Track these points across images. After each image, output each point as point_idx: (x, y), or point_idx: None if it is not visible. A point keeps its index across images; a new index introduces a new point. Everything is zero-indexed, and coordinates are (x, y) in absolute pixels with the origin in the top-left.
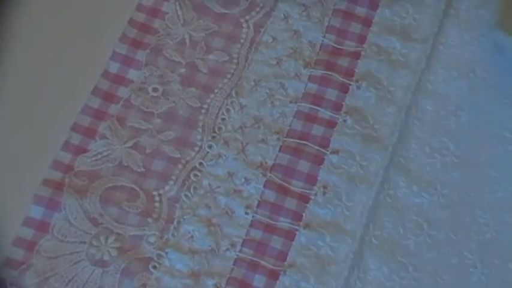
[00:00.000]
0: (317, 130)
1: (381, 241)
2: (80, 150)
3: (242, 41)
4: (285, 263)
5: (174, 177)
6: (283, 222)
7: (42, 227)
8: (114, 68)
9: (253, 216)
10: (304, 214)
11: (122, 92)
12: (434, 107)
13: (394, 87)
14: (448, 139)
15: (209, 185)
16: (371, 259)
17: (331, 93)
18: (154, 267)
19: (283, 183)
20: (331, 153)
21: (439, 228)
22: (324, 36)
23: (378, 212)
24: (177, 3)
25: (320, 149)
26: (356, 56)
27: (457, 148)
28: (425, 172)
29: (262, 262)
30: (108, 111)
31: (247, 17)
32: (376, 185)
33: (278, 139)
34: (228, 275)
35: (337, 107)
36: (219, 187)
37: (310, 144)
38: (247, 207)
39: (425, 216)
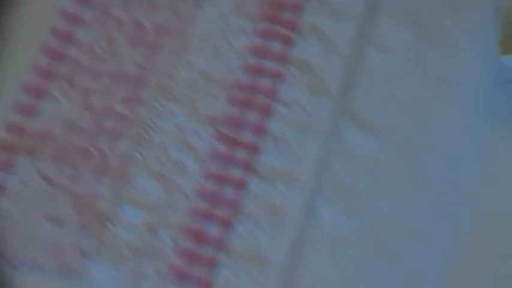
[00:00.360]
0: (264, 82)
1: (332, 187)
2: (31, 111)
3: None
4: (238, 211)
5: (126, 135)
6: (234, 173)
7: None
8: (62, 26)
9: (204, 168)
10: (254, 164)
11: (71, 52)
12: (379, 55)
13: (338, 38)
14: (394, 86)
15: (160, 140)
16: (323, 205)
17: (277, 46)
18: (111, 222)
19: (233, 134)
20: (278, 103)
21: (389, 173)
22: None
23: (328, 159)
24: None
25: (268, 100)
26: (299, 8)
27: (403, 94)
28: (373, 118)
29: (216, 212)
30: (58, 71)
31: None
32: (325, 133)
33: (226, 92)
34: (183, 226)
35: (283, 59)
36: (170, 142)
37: (258, 96)
38: (198, 159)
39: (375, 161)
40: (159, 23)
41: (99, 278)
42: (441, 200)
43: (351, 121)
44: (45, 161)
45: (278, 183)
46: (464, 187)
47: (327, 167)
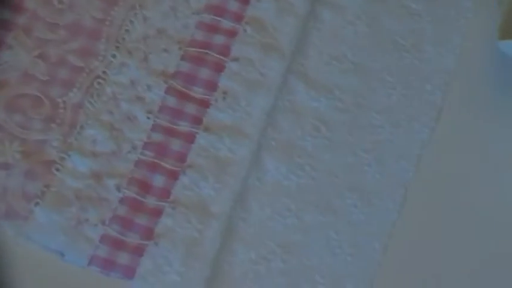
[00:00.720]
0: (218, 39)
1: (279, 143)
2: None
3: None
4: (185, 164)
5: (78, 85)
6: (183, 126)
7: None
8: None
9: (154, 121)
10: (204, 118)
11: (29, 3)
12: (333, 16)
13: None
14: (345, 47)
15: (112, 92)
16: (269, 160)
17: (233, 4)
18: (57, 169)
19: (184, 89)
20: (231, 60)
21: (336, 130)
22: None
23: (276, 115)
24: None
25: (221, 57)
26: None
27: (354, 55)
28: (323, 78)
29: (162, 163)
30: (15, 22)
31: None
32: (274, 90)
33: (180, 48)
34: (129, 176)
35: (238, 18)
36: (121, 94)
37: (211, 52)
38: (148, 112)
39: (322, 119)
40: None
41: (43, 222)
42: (386, 159)
43: (301, 80)
44: None
45: (226, 138)
46: (411, 148)
47: (275, 122)
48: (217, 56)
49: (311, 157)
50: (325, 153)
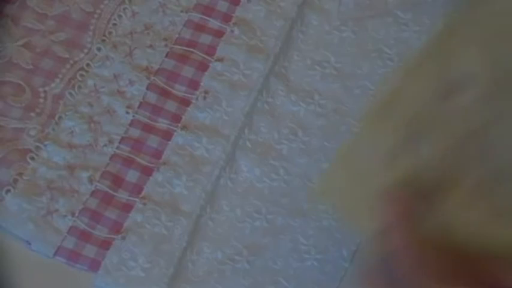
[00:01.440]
0: (205, 39)
1: (254, 145)
2: None
3: None
4: (160, 160)
5: (60, 76)
6: (162, 123)
7: None
8: None
9: (133, 116)
10: (183, 116)
11: None
12: (319, 21)
13: (283, 1)
14: (329, 52)
15: (94, 85)
16: (244, 161)
17: (222, 5)
18: (32, 158)
19: (166, 86)
20: (216, 60)
21: (313, 135)
22: None
23: (254, 117)
24: None
25: (206, 56)
26: None
27: (337, 61)
28: (305, 82)
29: (138, 159)
30: (4, 11)
31: None
32: (255, 92)
33: (166, 45)
34: (103, 169)
35: (226, 18)
36: (103, 87)
37: (196, 51)
38: (128, 107)
39: (300, 123)
40: None
41: (13, 210)
42: None
43: (282, 82)
44: None
45: (203, 137)
46: None
47: (252, 123)
48: (202, 55)
49: (286, 160)
50: (300, 158)
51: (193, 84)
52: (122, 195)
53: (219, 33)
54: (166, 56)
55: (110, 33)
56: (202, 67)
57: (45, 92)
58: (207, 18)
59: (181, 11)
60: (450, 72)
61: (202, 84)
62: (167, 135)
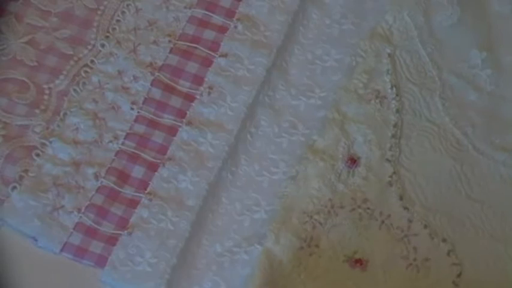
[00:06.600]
0: (208, 34)
1: (255, 138)
2: None
3: None
4: (165, 156)
5: (65, 72)
6: (167, 119)
7: None
8: None
9: (138, 112)
10: (188, 112)
11: None
12: (320, 15)
13: None
14: (330, 45)
15: (98, 81)
16: (244, 155)
17: (226, 1)
18: (38, 154)
19: (171, 82)
20: (220, 56)
21: (313, 128)
22: None
23: (255, 110)
24: None
25: (210, 52)
26: None
27: (338, 53)
28: (305, 77)
29: (143, 155)
30: (7, 8)
31: None
32: (257, 85)
33: (169, 41)
34: (108, 165)
35: (230, 14)
36: (107, 84)
37: (200, 47)
38: (133, 103)
39: (300, 117)
40: None
41: (19, 207)
42: None
43: (283, 77)
44: None
45: (208, 133)
46: None
47: (253, 116)
48: (206, 51)
49: (286, 154)
50: (300, 150)
51: (198, 80)
52: (128, 191)
53: (222, 29)
54: (170, 51)
55: (114, 29)
56: (206, 63)
57: (49, 88)
58: (211, 14)
59: (185, 7)
60: None
61: (206, 79)
62: (172, 131)
